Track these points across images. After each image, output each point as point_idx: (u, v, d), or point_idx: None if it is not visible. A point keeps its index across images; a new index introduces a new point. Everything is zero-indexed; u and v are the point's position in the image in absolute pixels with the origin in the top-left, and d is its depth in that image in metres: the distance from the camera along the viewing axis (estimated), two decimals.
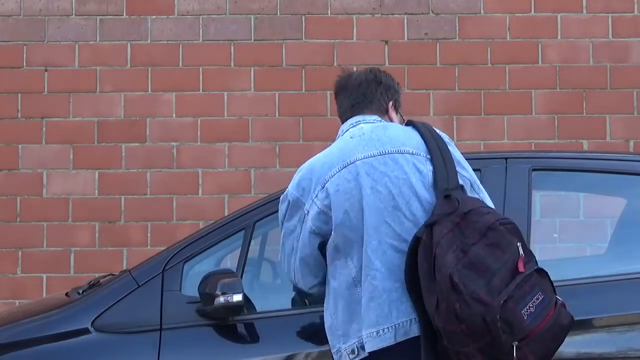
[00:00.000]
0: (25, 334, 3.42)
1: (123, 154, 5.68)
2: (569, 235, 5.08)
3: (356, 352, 2.71)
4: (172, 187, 5.66)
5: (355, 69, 5.93)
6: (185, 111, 5.72)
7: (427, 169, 2.77)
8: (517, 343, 2.50)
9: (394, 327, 2.68)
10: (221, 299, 3.14)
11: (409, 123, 2.93)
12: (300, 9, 5.78)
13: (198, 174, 5.68)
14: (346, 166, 2.79)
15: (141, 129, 5.70)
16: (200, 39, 5.76)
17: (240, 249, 3.41)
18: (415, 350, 2.66)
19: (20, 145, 5.69)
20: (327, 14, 5.78)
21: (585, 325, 3.23)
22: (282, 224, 2.89)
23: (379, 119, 2.94)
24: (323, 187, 2.79)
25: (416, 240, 2.64)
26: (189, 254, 3.44)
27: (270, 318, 3.38)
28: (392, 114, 2.99)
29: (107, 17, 5.77)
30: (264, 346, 3.32)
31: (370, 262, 2.71)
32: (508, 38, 5.78)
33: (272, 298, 3.85)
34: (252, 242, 3.56)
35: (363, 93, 2.96)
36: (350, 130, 2.90)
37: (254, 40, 5.76)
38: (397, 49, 5.75)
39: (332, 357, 2.82)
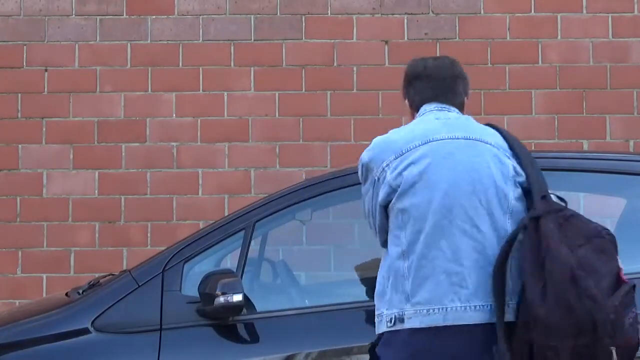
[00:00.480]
0: (25, 334, 3.42)
1: (123, 154, 5.68)
2: None
3: (393, 322, 2.73)
4: (172, 187, 5.66)
5: (355, 69, 5.95)
6: (185, 111, 5.72)
7: (508, 162, 2.82)
8: (614, 348, 2.55)
9: (445, 309, 2.70)
10: (221, 299, 3.14)
11: (487, 125, 3.01)
12: (300, 9, 5.77)
13: (198, 174, 5.68)
14: (428, 142, 2.83)
15: (141, 129, 5.70)
16: (200, 39, 5.76)
17: (240, 249, 3.41)
18: (463, 338, 2.68)
19: (20, 145, 5.69)
20: (327, 14, 5.78)
21: None
22: (362, 185, 2.95)
23: (459, 112, 3.04)
24: (397, 158, 2.82)
25: (518, 229, 2.69)
26: (189, 254, 3.44)
27: (270, 318, 3.38)
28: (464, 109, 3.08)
29: (107, 17, 5.77)
30: (264, 346, 3.32)
31: (434, 241, 2.72)
32: (508, 38, 5.78)
33: (272, 298, 3.85)
34: (252, 242, 3.57)
35: (450, 86, 3.06)
36: (435, 112, 2.96)
37: (254, 40, 5.76)
38: (397, 49, 5.75)
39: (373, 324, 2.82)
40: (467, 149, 2.82)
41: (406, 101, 3.08)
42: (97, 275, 4.13)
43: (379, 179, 2.83)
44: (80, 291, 3.64)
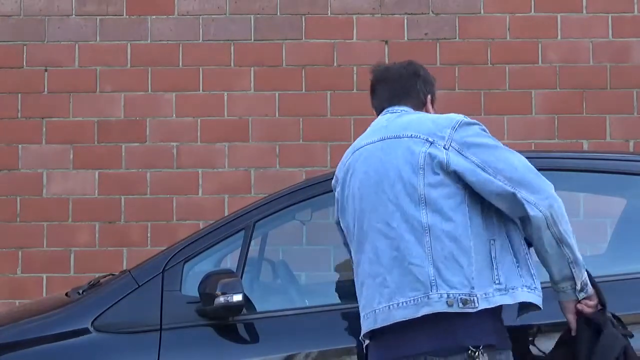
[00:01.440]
0: (25, 334, 3.42)
1: (123, 154, 5.68)
2: None
3: (364, 336, 2.79)
4: (172, 187, 5.66)
5: (355, 69, 5.95)
6: (185, 111, 5.72)
7: (421, 150, 2.73)
8: None
9: (374, 312, 2.70)
10: (221, 299, 3.14)
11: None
12: (300, 9, 5.78)
13: (198, 174, 5.68)
14: (353, 153, 2.90)
15: (141, 129, 5.70)
16: (200, 39, 5.76)
17: (240, 248, 3.41)
18: (398, 338, 2.66)
19: (20, 145, 5.69)
20: (327, 14, 5.78)
21: None
22: None
23: (408, 109, 2.96)
24: (335, 175, 2.96)
25: None
26: (189, 254, 3.44)
27: (270, 318, 3.38)
28: (429, 107, 3.07)
29: (107, 17, 5.77)
30: (265, 346, 3.32)
31: (361, 247, 2.77)
32: (508, 38, 5.78)
33: (272, 298, 3.85)
34: (252, 242, 3.57)
35: (402, 86, 3.00)
36: (379, 117, 2.97)
37: (254, 40, 5.76)
38: (397, 49, 5.75)
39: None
40: (380, 151, 2.80)
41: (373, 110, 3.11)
42: (97, 275, 4.13)
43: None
44: (80, 291, 3.64)
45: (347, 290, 4.03)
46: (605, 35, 5.80)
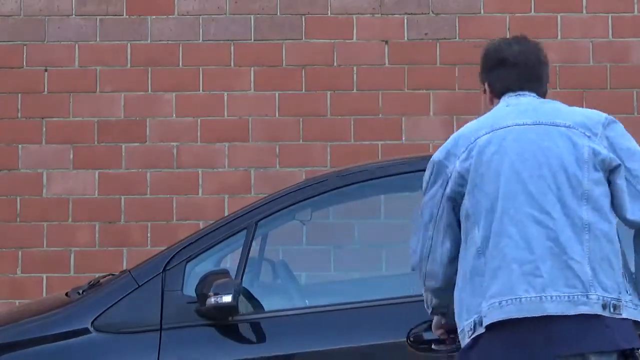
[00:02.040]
0: (25, 334, 3.43)
1: (123, 154, 5.67)
2: None
3: (473, 329, 2.59)
4: (172, 187, 5.66)
5: (355, 69, 5.94)
6: (185, 111, 5.71)
7: (584, 143, 2.65)
8: None
9: (518, 300, 2.54)
10: (212, 300, 3.13)
11: None
12: (300, 9, 5.77)
13: (198, 174, 5.68)
14: (494, 130, 2.71)
15: (141, 129, 5.70)
16: (200, 39, 5.76)
17: (241, 248, 3.40)
18: (541, 332, 2.53)
19: (20, 145, 5.69)
20: (327, 14, 5.78)
21: None
22: (425, 191, 2.78)
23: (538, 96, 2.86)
24: (466, 149, 2.70)
25: None
26: (189, 253, 3.44)
27: (271, 318, 3.38)
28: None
29: (107, 17, 5.76)
30: (265, 346, 3.32)
31: (503, 230, 2.59)
32: None
33: (272, 298, 3.84)
34: (254, 242, 3.56)
35: (536, 73, 2.87)
36: (508, 100, 2.83)
37: (254, 40, 5.76)
38: (397, 49, 5.75)
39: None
40: (534, 134, 2.67)
41: (485, 86, 2.92)
42: (97, 275, 4.13)
43: (451, 174, 2.71)
44: (80, 291, 3.64)
45: (346, 289, 4.02)
46: (605, 35, 5.80)
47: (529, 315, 2.52)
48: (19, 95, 5.71)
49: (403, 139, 5.62)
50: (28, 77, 5.71)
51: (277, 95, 5.73)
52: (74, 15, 5.77)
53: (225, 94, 5.73)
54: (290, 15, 5.77)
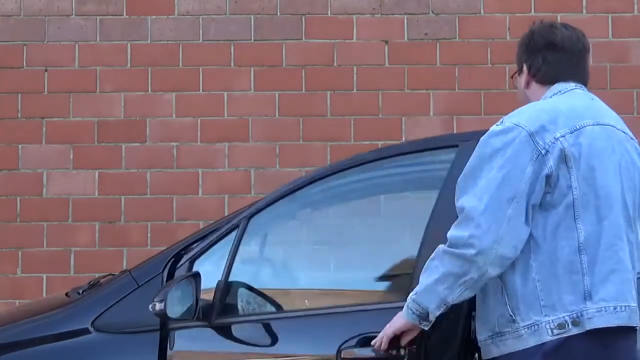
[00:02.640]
0: (25, 334, 3.42)
1: (123, 154, 5.68)
2: None
3: (566, 327, 2.42)
4: (172, 187, 5.66)
5: (355, 69, 5.93)
6: (185, 111, 5.72)
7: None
8: None
9: (629, 308, 2.45)
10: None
11: None
12: (300, 9, 5.77)
13: (198, 174, 5.68)
14: (599, 124, 2.59)
15: (141, 129, 5.70)
16: (200, 39, 5.76)
17: (231, 247, 3.37)
18: (631, 344, 2.49)
19: (20, 145, 5.69)
20: (327, 14, 5.78)
21: None
22: (492, 160, 2.49)
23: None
24: (573, 132, 2.52)
25: None
26: (190, 253, 3.43)
27: (270, 319, 3.37)
28: None
29: (107, 17, 5.76)
30: (265, 346, 3.31)
31: (619, 231, 2.47)
32: (508, 38, 5.78)
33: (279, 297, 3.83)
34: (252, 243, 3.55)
35: (585, 62, 2.85)
36: (583, 91, 2.75)
37: (254, 40, 5.76)
38: (397, 49, 5.75)
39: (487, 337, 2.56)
40: (626, 142, 2.61)
41: (525, 69, 2.79)
42: (97, 275, 4.13)
43: (548, 151, 2.47)
44: (80, 291, 3.64)
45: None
46: (605, 35, 5.80)
47: (630, 325, 2.48)
48: (19, 95, 5.71)
49: (403, 139, 5.62)
50: (28, 77, 5.72)
51: (277, 95, 5.73)
52: (74, 15, 5.77)
53: (225, 94, 5.73)
54: (290, 15, 5.77)
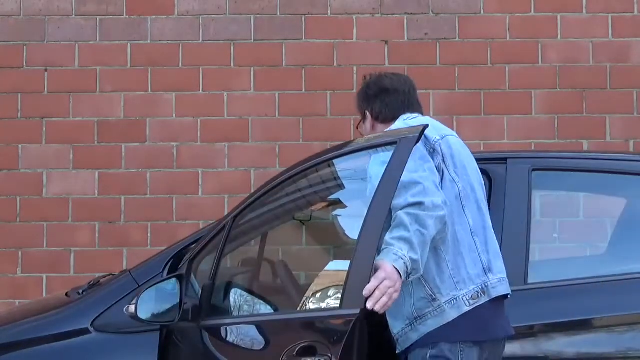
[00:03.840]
0: (25, 334, 3.42)
1: (123, 154, 5.68)
2: (569, 235, 5.07)
3: (478, 297, 2.86)
4: (172, 187, 5.66)
5: (355, 69, 5.94)
6: (185, 111, 5.72)
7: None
8: None
9: (506, 279, 2.97)
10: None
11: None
12: (300, 9, 5.78)
13: (198, 174, 5.68)
14: (453, 136, 3.09)
15: (141, 129, 5.70)
16: (200, 39, 5.76)
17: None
18: (502, 306, 2.96)
19: (20, 145, 5.69)
20: (327, 14, 5.78)
21: (585, 325, 3.23)
22: (426, 160, 2.93)
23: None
24: (442, 138, 3.01)
25: None
26: (190, 253, 3.43)
27: (268, 321, 3.37)
28: None
29: (107, 17, 5.76)
30: (264, 347, 3.31)
31: (489, 218, 3.00)
32: (508, 38, 5.78)
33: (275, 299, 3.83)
34: (252, 242, 3.55)
35: (415, 98, 3.26)
36: (420, 117, 3.17)
37: (254, 40, 5.76)
38: (397, 49, 5.75)
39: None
40: (468, 150, 3.12)
41: (368, 114, 3.24)
42: (97, 275, 4.13)
43: (434, 149, 2.97)
44: (80, 291, 3.64)
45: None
46: (605, 35, 5.80)
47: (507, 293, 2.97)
48: (19, 95, 5.71)
49: None
50: (28, 77, 5.72)
51: (277, 95, 5.73)
52: (74, 15, 5.77)
53: (225, 94, 5.73)
54: (290, 15, 5.77)
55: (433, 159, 2.92)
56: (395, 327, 2.90)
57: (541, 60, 5.77)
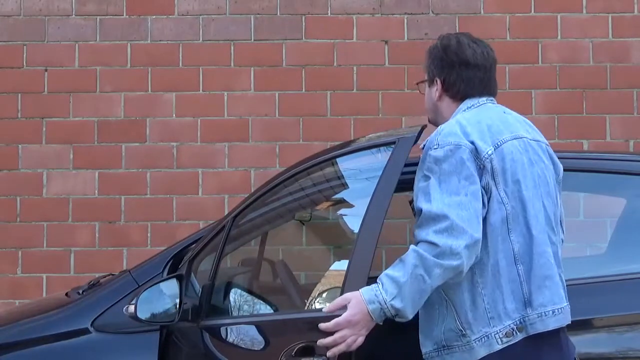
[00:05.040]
0: (25, 334, 3.42)
1: (123, 154, 5.68)
2: (569, 235, 5.07)
3: (513, 335, 2.59)
4: (172, 187, 5.66)
5: (355, 69, 5.94)
6: (185, 111, 5.72)
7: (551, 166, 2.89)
8: None
9: (563, 309, 2.66)
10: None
11: None
12: (300, 9, 5.77)
13: (198, 174, 5.68)
14: (517, 138, 2.75)
15: (141, 129, 5.70)
16: (200, 39, 5.76)
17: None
18: (562, 341, 2.68)
19: (20, 145, 5.69)
20: (327, 14, 5.78)
21: (585, 325, 3.23)
22: (465, 185, 2.59)
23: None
24: (497, 148, 2.68)
25: None
26: (190, 253, 3.43)
27: (268, 321, 3.37)
28: None
29: (107, 17, 5.76)
30: (264, 347, 3.31)
31: (546, 239, 2.66)
32: (508, 38, 5.78)
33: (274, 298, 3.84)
34: (252, 242, 3.55)
35: (494, 76, 2.94)
36: (497, 106, 2.90)
37: (254, 40, 5.76)
38: (397, 49, 5.75)
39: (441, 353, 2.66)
40: (541, 153, 2.82)
41: (439, 83, 2.89)
42: (97, 275, 4.14)
43: (484, 166, 2.64)
44: (80, 291, 3.64)
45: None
46: (605, 35, 5.80)
47: (567, 324, 2.69)
48: (19, 95, 5.71)
49: None
50: (28, 77, 5.72)
51: (277, 95, 5.73)
52: (74, 15, 5.77)
53: (225, 93, 5.73)
54: (290, 15, 5.77)
55: (481, 179, 2.61)
56: (425, 346, 2.71)
57: (541, 60, 5.77)
